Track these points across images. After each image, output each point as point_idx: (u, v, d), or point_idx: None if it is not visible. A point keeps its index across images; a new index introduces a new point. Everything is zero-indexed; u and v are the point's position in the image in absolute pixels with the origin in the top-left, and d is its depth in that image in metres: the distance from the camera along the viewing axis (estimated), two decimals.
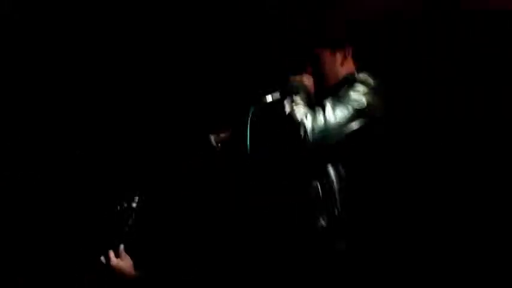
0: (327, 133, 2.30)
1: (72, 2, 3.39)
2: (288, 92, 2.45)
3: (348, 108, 2.34)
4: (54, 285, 3.20)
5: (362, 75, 2.49)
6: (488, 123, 3.01)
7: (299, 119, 2.32)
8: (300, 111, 2.35)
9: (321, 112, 2.33)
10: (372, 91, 2.41)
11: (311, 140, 2.30)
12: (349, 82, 2.46)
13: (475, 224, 3.01)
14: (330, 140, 2.32)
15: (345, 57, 2.56)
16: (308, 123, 2.30)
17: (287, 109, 2.38)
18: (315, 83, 2.54)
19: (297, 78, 2.53)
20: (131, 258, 2.61)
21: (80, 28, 3.41)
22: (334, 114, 2.32)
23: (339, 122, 2.32)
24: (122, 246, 2.55)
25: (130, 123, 3.41)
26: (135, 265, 2.60)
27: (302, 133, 2.30)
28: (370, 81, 2.45)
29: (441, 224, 3.05)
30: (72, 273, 3.14)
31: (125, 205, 2.60)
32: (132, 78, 3.45)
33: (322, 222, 2.39)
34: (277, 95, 2.51)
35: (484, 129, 3.01)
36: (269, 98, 2.52)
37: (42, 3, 3.38)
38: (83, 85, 3.44)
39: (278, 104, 2.45)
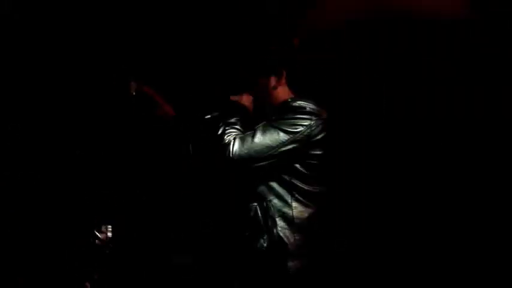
0: (253, 155, 2.44)
1: (72, 2, 3.39)
2: (226, 111, 2.63)
3: (278, 133, 2.46)
4: (54, 285, 3.20)
5: (298, 102, 2.54)
6: (488, 123, 3.01)
7: (226, 141, 2.49)
8: (232, 133, 2.53)
9: (251, 136, 2.47)
10: (308, 117, 2.49)
11: (235, 159, 2.44)
12: (285, 108, 2.55)
13: (475, 224, 3.01)
14: (257, 162, 2.45)
15: (279, 84, 2.62)
16: (235, 145, 2.45)
17: (219, 130, 2.56)
18: (255, 105, 2.68)
19: (236, 98, 2.68)
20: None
21: (79, 28, 3.41)
22: (263, 137, 2.46)
23: (268, 145, 2.44)
24: None
25: (130, 123, 3.41)
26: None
27: (227, 153, 2.45)
28: (306, 107, 2.52)
29: (440, 225, 3.06)
30: (72, 273, 3.14)
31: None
32: (131, 78, 3.44)
33: (263, 243, 2.44)
34: (216, 114, 2.68)
35: (484, 129, 3.01)
36: (208, 116, 2.71)
37: (42, 3, 3.38)
38: (82, 85, 3.43)
39: (215, 122, 2.63)
